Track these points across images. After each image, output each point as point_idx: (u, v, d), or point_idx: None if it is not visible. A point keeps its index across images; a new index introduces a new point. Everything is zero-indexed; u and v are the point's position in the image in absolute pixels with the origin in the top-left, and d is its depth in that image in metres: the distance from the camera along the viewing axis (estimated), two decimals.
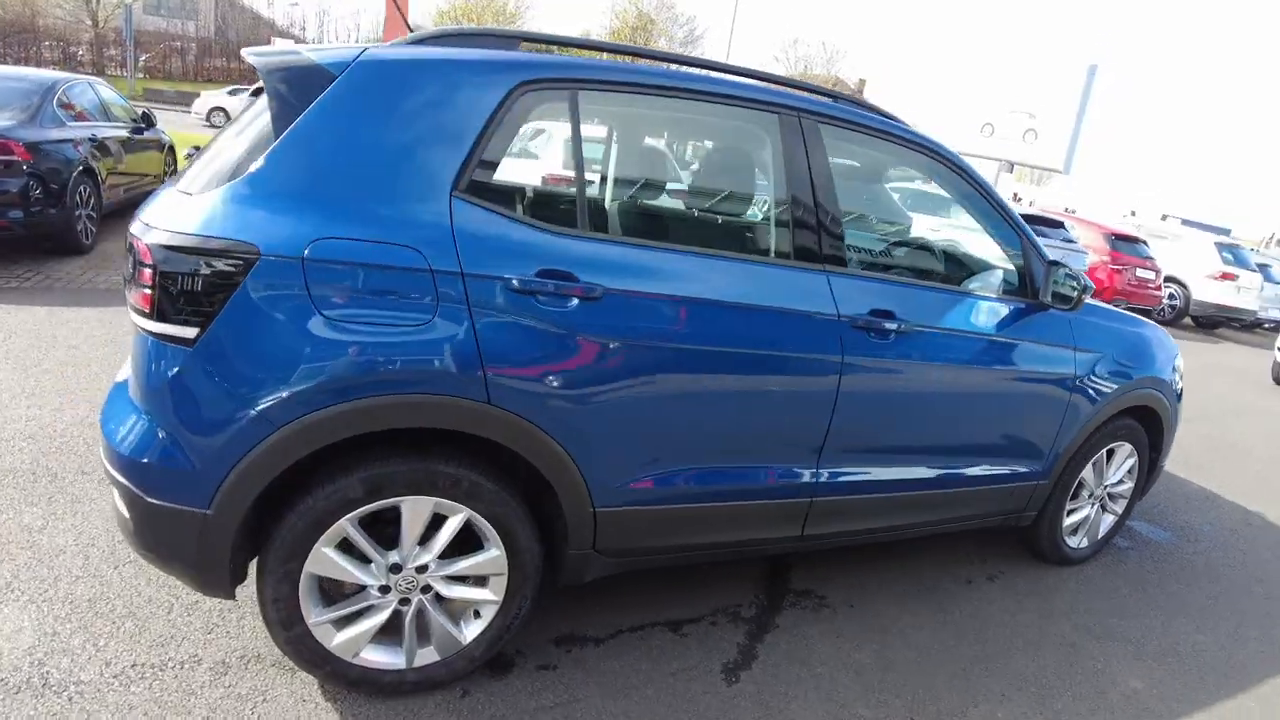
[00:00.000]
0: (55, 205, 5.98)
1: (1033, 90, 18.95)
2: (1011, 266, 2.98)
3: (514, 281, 1.93)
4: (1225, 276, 14.15)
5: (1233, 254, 14.61)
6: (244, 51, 2.06)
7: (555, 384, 2.01)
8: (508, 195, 2.11)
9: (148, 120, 8.36)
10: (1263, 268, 15.20)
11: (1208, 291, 14.18)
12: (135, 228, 1.89)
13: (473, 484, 1.99)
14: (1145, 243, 13.39)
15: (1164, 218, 21.97)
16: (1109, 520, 3.70)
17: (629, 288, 2.07)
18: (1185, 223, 20.51)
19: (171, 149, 9.27)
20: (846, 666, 2.61)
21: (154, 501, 1.83)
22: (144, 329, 1.82)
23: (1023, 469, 3.12)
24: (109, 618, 2.31)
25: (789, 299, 2.34)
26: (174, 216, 1.82)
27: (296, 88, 1.88)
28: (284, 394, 1.78)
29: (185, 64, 27.21)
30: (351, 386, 1.81)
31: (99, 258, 6.42)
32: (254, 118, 2.06)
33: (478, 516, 2.04)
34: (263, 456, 1.80)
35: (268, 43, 29.49)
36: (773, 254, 2.45)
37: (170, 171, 9.09)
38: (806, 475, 2.53)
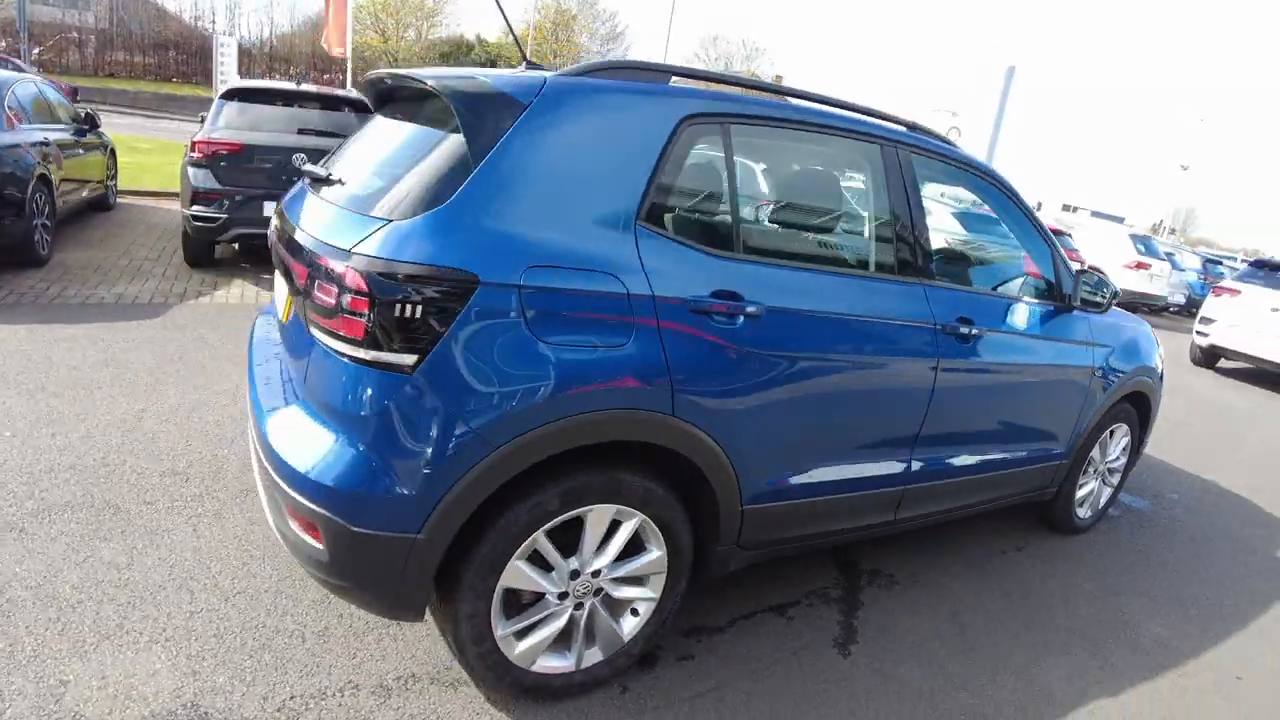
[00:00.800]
0: (15, 215, 5.59)
1: (954, 90, 19.91)
2: (1040, 275, 3.39)
3: (693, 302, 2.11)
4: (1139, 265, 15.24)
5: (1144, 244, 15.73)
6: (425, 77, 2.06)
7: (721, 394, 2.20)
8: (679, 222, 2.26)
9: (91, 121, 7.85)
10: (1169, 256, 16.41)
11: (1124, 280, 15.20)
12: (328, 253, 1.87)
13: (647, 490, 2.15)
14: (1070, 235, 14.23)
15: (1066, 208, 23.46)
16: (1107, 492, 4.19)
17: (782, 305, 2.30)
18: (1094, 214, 21.84)
19: (113, 151, 8.73)
20: (931, 633, 2.95)
21: (360, 530, 1.82)
22: (353, 357, 1.81)
23: (1053, 450, 3.56)
24: (243, 651, 2.25)
25: (901, 311, 2.64)
26: (384, 243, 1.79)
27: (489, 115, 1.92)
28: (501, 416, 1.84)
29: (84, 57, 25.40)
30: (562, 405, 1.92)
31: (59, 270, 6.02)
32: (410, 137, 2.16)
33: (648, 520, 2.20)
34: (479, 478, 1.86)
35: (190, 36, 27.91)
36: (885, 270, 2.73)
37: (111, 176, 8.56)
38: (903, 465, 2.85)
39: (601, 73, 2.15)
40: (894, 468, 2.79)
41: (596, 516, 2.09)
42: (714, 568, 2.44)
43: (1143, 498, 4.78)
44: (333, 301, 1.81)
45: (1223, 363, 10.77)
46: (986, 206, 3.46)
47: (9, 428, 3.38)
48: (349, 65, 14.45)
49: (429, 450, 1.81)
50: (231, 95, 6.46)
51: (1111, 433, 3.98)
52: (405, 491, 1.81)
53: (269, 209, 6.08)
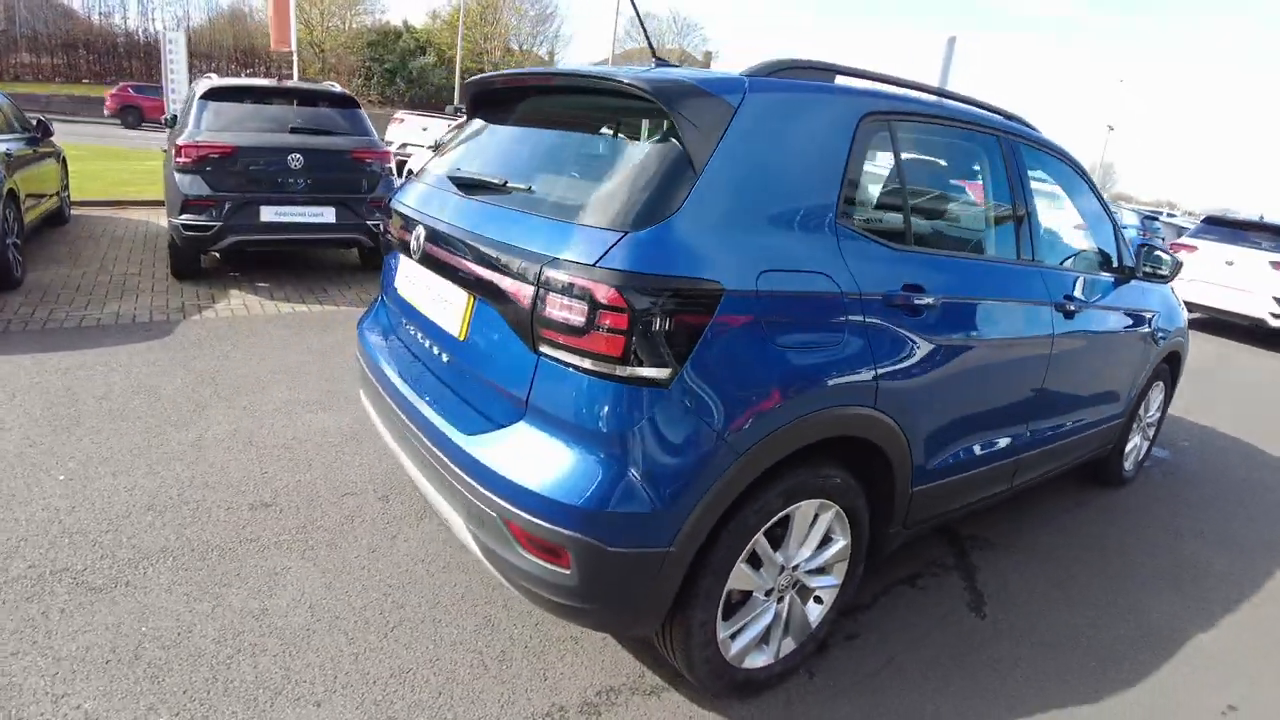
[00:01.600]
0: None
1: (898, 62, 20.19)
2: (1101, 248, 3.56)
3: (889, 297, 2.14)
4: None
5: None
6: (621, 77, 1.97)
7: (907, 384, 2.23)
8: (865, 218, 2.32)
9: (44, 129, 7.28)
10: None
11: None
12: (564, 268, 1.76)
13: (844, 482, 2.17)
14: None
15: None
16: (1145, 446, 4.44)
17: (951, 294, 2.37)
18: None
19: (65, 161, 8.13)
20: (1047, 585, 3.11)
21: (616, 550, 1.76)
22: (608, 375, 1.74)
23: (1116, 410, 3.75)
24: (429, 689, 2.13)
25: (1029, 292, 2.81)
26: (631, 256, 1.72)
27: (704, 118, 1.87)
28: (747, 422, 1.84)
29: None
30: (797, 406, 1.93)
31: (37, 291, 5.57)
32: (594, 140, 2.26)
33: (840, 510, 2.22)
34: (727, 485, 1.84)
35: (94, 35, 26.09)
36: (1012, 255, 2.85)
37: (65, 187, 7.97)
38: (1021, 435, 2.96)
39: (785, 72, 2.12)
40: (1015, 438, 2.92)
41: (803, 512, 2.13)
42: (882, 550, 2.50)
43: (1162, 448, 4.99)
44: (582, 319, 1.73)
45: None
46: (1059, 187, 3.56)
47: (61, 469, 3.09)
48: (295, 60, 13.79)
49: (683, 462, 1.77)
50: (211, 95, 6.03)
51: (1152, 390, 4.19)
52: (660, 506, 1.77)
53: (267, 213, 5.81)
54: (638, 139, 2.06)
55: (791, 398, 1.91)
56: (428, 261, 2.30)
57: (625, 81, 1.92)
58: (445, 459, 2.03)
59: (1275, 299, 10.72)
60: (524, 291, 1.85)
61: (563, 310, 1.76)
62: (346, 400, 4.02)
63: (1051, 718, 2.33)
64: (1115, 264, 3.53)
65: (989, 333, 2.56)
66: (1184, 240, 11.36)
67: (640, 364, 1.72)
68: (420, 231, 2.34)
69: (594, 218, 1.82)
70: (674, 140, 1.86)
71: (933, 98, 2.67)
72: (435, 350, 2.30)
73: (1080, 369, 3.24)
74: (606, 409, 1.74)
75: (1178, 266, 3.63)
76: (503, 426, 1.93)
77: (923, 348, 2.26)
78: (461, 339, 2.13)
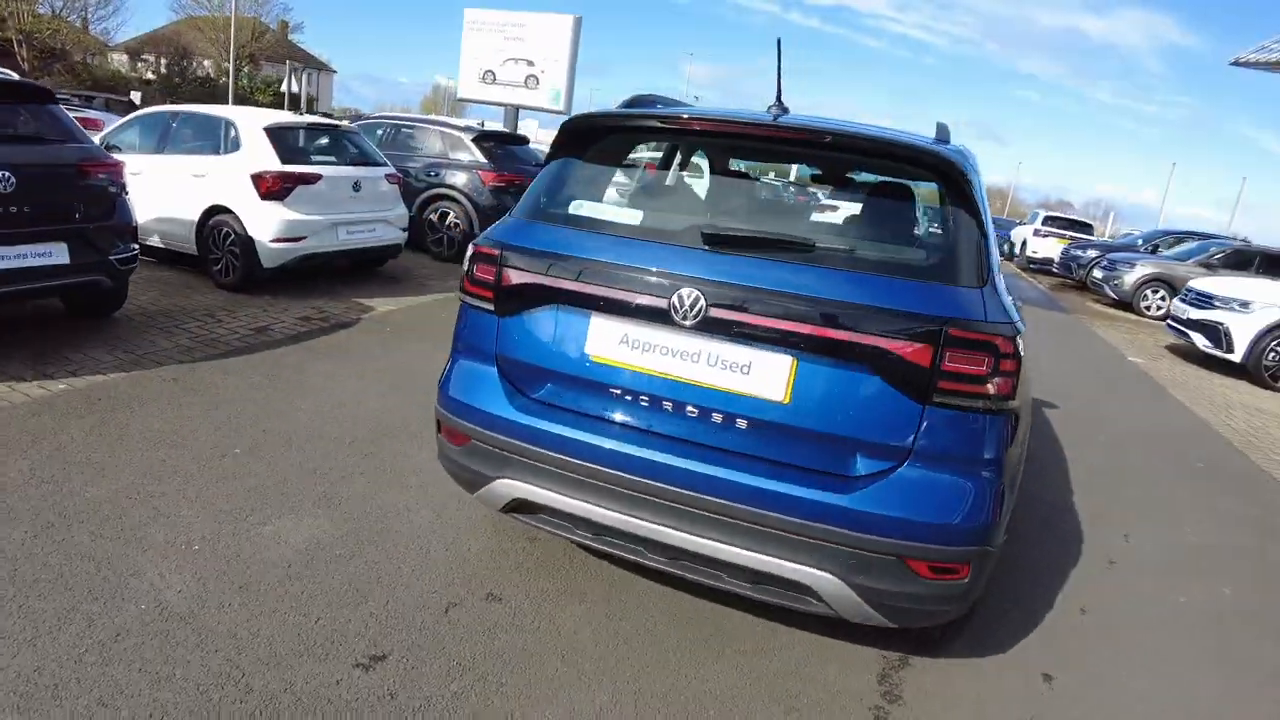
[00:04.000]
0: None
1: (530, 40, 20.77)
2: None
3: None
4: None
5: None
6: (913, 141, 2.43)
7: None
8: None
9: None
10: None
11: None
12: (971, 327, 2.04)
13: None
14: None
15: None
16: None
17: None
18: None
19: None
20: None
21: (997, 549, 2.23)
22: (1001, 410, 2.11)
23: None
24: None
25: None
26: (1000, 310, 2.11)
27: (971, 183, 2.31)
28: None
29: None
30: None
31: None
32: (860, 198, 2.65)
33: None
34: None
35: None
36: None
37: None
38: None
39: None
40: None
41: None
42: None
43: None
44: (985, 369, 2.03)
45: None
46: None
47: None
48: None
49: (1020, 467, 2.28)
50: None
51: None
52: (1013, 504, 2.23)
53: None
54: (912, 197, 2.41)
55: None
56: (708, 326, 2.18)
57: (923, 148, 2.30)
58: (794, 520, 2.11)
59: None
60: (914, 350, 2.05)
61: (967, 363, 2.03)
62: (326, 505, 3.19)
63: None
64: None
65: None
66: None
67: (1015, 397, 2.11)
68: (690, 293, 2.18)
69: (954, 277, 2.13)
70: (962, 203, 2.25)
71: None
72: (718, 418, 2.24)
73: None
74: (995, 439, 2.12)
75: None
76: (870, 475, 2.12)
77: None
78: (785, 402, 2.16)
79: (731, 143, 2.81)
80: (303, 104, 30.01)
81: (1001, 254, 4.44)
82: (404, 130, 9.81)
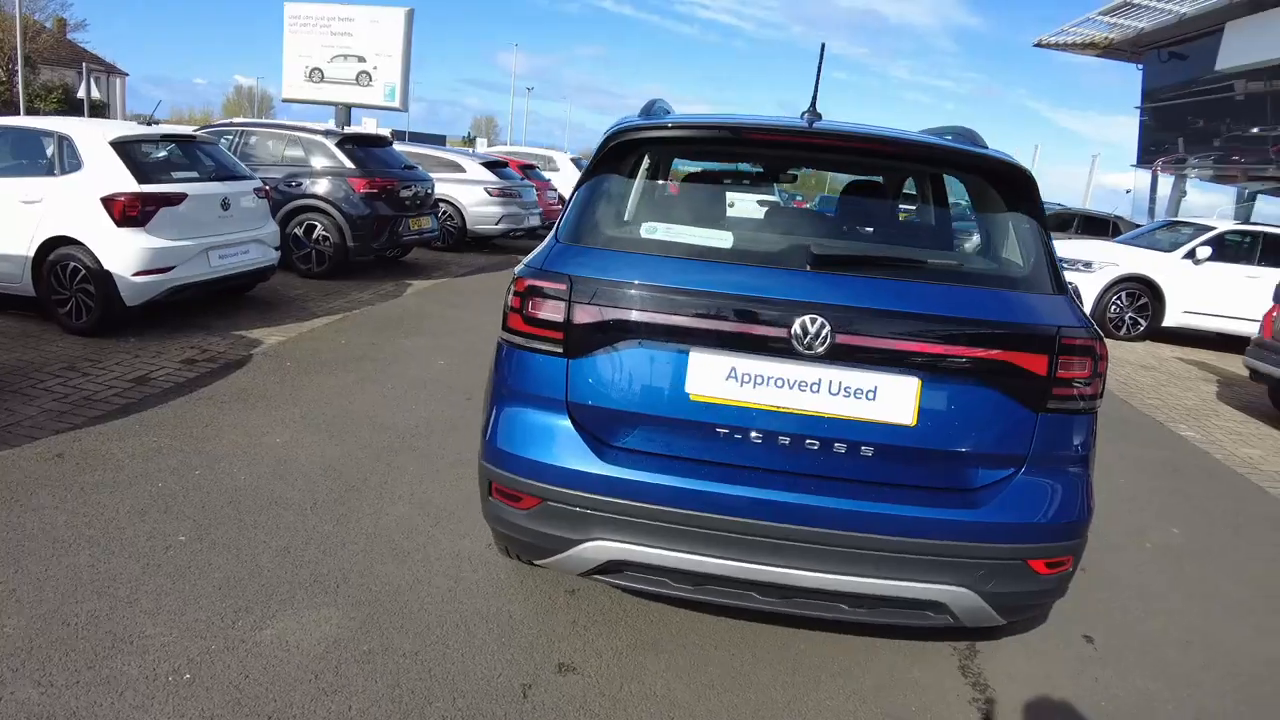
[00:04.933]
0: None
1: (359, 35, 19.36)
2: None
3: None
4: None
5: (579, 165, 18.64)
6: (990, 153, 2.37)
7: None
8: None
9: None
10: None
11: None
12: (1076, 334, 2.12)
13: None
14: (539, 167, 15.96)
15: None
16: None
17: None
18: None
19: None
20: None
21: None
22: (1092, 410, 2.20)
23: None
24: None
25: None
26: (1080, 317, 2.15)
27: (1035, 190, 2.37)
28: None
29: None
30: None
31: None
32: (928, 208, 2.66)
33: None
34: None
35: None
36: None
37: None
38: None
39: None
40: None
41: None
42: None
43: None
44: (1088, 373, 2.14)
45: None
46: None
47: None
48: None
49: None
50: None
51: None
52: None
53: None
54: (989, 208, 2.39)
55: None
56: (834, 354, 2.07)
57: (999, 158, 2.29)
58: (926, 541, 2.09)
59: None
60: (1033, 360, 2.09)
61: (1077, 368, 2.12)
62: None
63: None
64: None
65: None
66: None
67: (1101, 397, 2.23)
68: (814, 320, 2.05)
69: (1046, 286, 2.19)
70: (1035, 213, 2.28)
71: None
72: (841, 448, 2.14)
73: None
74: (1091, 436, 2.23)
75: None
76: (993, 486, 2.15)
77: None
78: (912, 425, 2.10)
79: (795, 153, 2.65)
80: (86, 110, 26.44)
81: None
82: (254, 137, 8.74)
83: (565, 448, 2.16)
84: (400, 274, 9.26)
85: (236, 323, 6.14)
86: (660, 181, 2.49)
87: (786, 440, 2.13)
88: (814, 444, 2.13)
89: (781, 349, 2.07)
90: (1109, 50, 21.11)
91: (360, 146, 8.78)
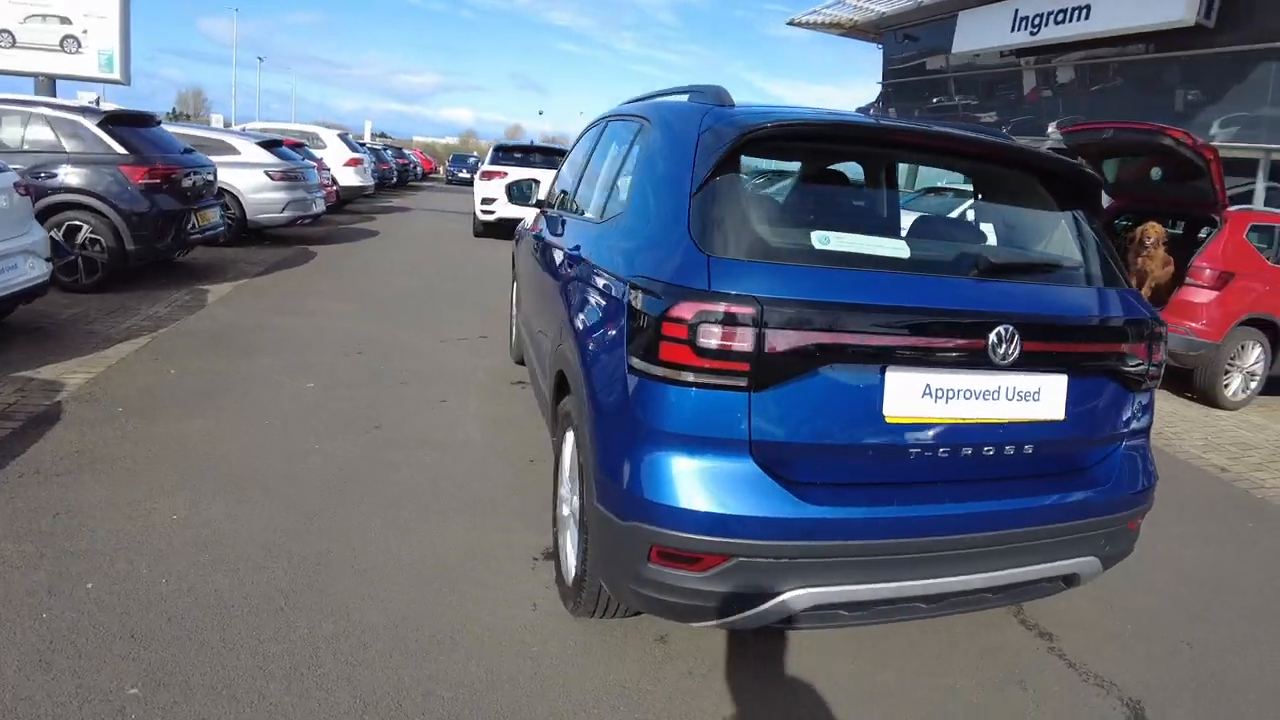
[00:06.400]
0: None
1: None
2: None
3: None
4: (352, 162, 16.47)
5: (354, 145, 16.98)
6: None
7: None
8: None
9: None
10: (375, 151, 18.20)
11: (346, 177, 16.24)
12: (1158, 325, 2.36)
13: None
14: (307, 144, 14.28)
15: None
16: None
17: None
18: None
19: None
20: None
21: None
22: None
23: None
24: None
25: None
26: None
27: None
28: None
29: None
30: None
31: None
32: (1014, 206, 2.62)
33: None
34: None
35: None
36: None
37: None
38: None
39: None
40: None
41: None
42: None
43: None
44: (1163, 354, 2.38)
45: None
46: None
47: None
48: None
49: None
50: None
51: None
52: None
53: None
54: (1069, 209, 2.48)
55: None
56: (1019, 361, 2.07)
57: (1078, 166, 2.43)
58: (1070, 523, 2.21)
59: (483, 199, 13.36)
60: (1142, 348, 2.31)
61: (1160, 352, 2.36)
62: None
63: None
64: None
65: None
66: (491, 168, 13.28)
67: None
68: (1008, 330, 2.04)
69: (1123, 281, 2.40)
70: (1098, 215, 2.47)
71: None
72: (1010, 450, 2.16)
73: None
74: (1154, 408, 2.50)
75: None
76: (1108, 461, 2.33)
77: None
78: (1062, 420, 2.19)
79: (912, 155, 2.61)
80: None
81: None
82: None
83: (757, 494, 1.87)
84: (185, 279, 7.75)
85: (9, 361, 4.70)
86: (794, 182, 2.20)
87: (968, 450, 2.10)
88: (989, 450, 2.12)
89: (976, 361, 2.03)
90: (853, 30, 23.36)
91: (128, 127, 7.17)
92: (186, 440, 3.73)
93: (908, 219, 2.76)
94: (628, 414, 1.96)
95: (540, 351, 3.37)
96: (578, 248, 2.84)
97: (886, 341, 1.96)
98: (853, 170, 2.55)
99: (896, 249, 2.22)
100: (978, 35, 15.30)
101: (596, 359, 2.20)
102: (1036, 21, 13.31)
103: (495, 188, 13.11)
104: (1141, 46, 11.83)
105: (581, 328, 2.42)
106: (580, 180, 3.55)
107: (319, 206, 11.21)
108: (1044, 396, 2.15)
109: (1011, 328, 2.03)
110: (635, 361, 1.93)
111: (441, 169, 45.71)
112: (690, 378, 1.85)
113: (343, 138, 16.91)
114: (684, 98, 2.59)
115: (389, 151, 24.90)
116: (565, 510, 2.56)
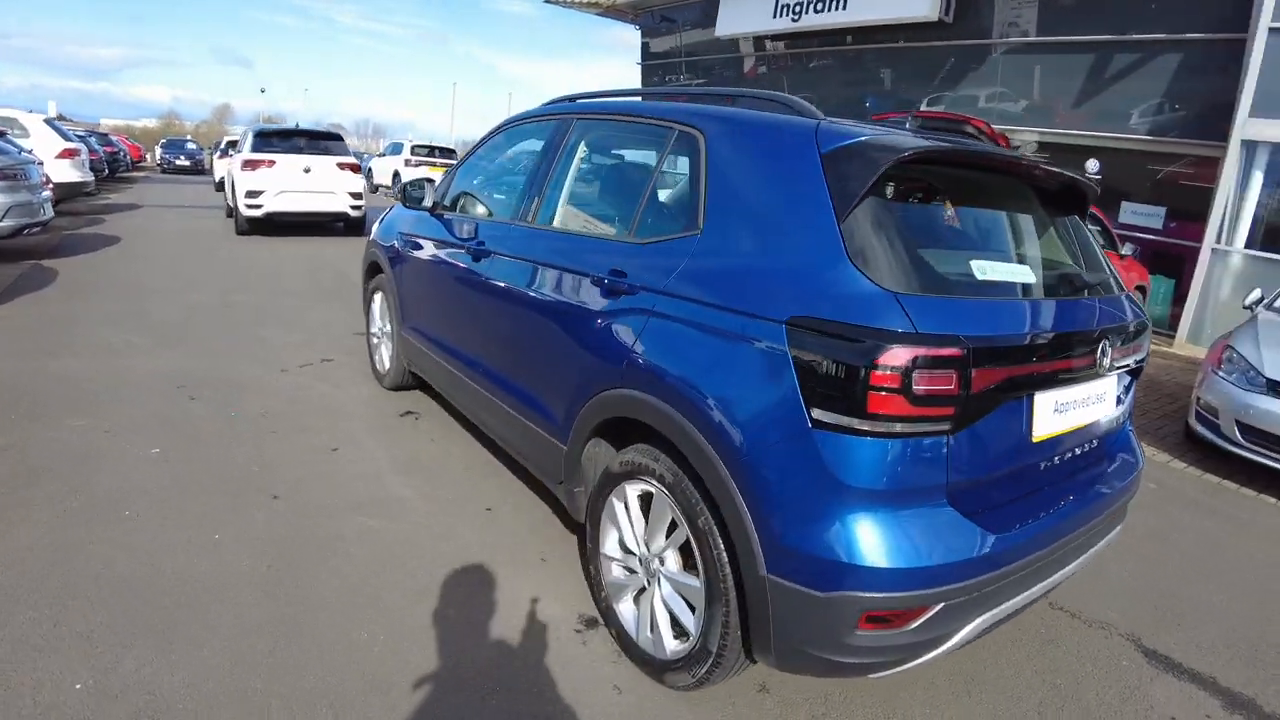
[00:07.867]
0: None
1: None
2: None
3: None
4: (67, 154, 13.71)
5: (56, 128, 14.06)
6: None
7: None
8: None
9: None
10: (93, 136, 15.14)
11: (61, 171, 13.49)
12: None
13: None
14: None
15: None
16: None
17: None
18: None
19: None
20: None
21: None
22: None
23: None
24: None
25: None
26: None
27: None
28: None
29: None
30: None
31: None
32: (1033, 220, 2.61)
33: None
34: None
35: None
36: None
37: None
38: None
39: None
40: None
41: None
42: None
43: None
44: (1147, 350, 2.68)
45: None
46: None
47: None
48: None
49: None
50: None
51: None
52: None
53: None
54: (1079, 223, 2.66)
55: None
56: (1110, 369, 2.32)
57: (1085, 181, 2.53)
58: (1126, 499, 2.48)
59: (351, 194, 12.46)
60: (1144, 344, 2.60)
61: (1148, 344, 2.66)
62: None
63: None
64: None
65: None
66: (256, 157, 11.61)
67: None
68: (1111, 343, 2.28)
69: (1121, 288, 2.59)
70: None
71: None
72: (1095, 444, 2.41)
73: None
74: None
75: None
76: (1126, 440, 2.66)
77: None
78: (1114, 413, 2.49)
79: (1005, 180, 2.52)
80: None
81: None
82: None
83: (956, 537, 1.83)
84: None
85: None
86: (919, 206, 2.08)
87: (1073, 453, 2.30)
88: (1080, 449, 2.33)
89: (1089, 374, 2.23)
90: (610, 10, 23.62)
91: None
92: (23, 545, 2.82)
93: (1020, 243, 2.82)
94: (814, 474, 1.77)
95: (522, 384, 3.02)
96: (612, 269, 2.46)
97: (1045, 368, 2.05)
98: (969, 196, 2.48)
99: (1027, 275, 2.27)
100: (740, 19, 16.17)
101: (731, 412, 1.92)
102: (797, 10, 14.36)
103: (262, 179, 11.61)
104: (889, 36, 13.26)
105: (682, 373, 2.06)
106: (537, 188, 3.10)
107: (48, 212, 9.12)
108: (1107, 396, 2.40)
109: (1110, 341, 2.28)
110: (823, 415, 1.74)
111: (149, 157, 40.33)
112: (900, 428, 1.73)
113: (50, 123, 13.87)
114: (744, 107, 2.50)
115: (94, 138, 21.02)
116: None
